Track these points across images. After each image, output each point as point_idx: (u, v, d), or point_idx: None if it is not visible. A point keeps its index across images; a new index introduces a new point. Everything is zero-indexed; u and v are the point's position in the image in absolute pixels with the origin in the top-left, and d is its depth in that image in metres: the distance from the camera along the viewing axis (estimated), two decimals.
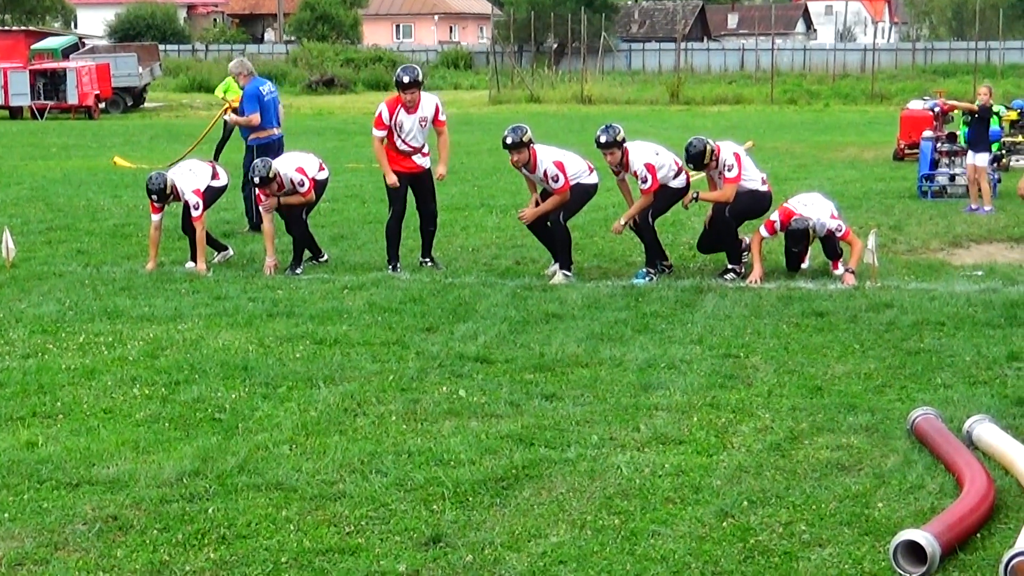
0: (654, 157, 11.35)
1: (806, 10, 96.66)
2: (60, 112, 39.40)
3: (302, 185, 11.81)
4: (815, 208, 11.35)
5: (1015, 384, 8.34)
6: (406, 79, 11.62)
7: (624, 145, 11.26)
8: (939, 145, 17.64)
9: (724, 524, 6.07)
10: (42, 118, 38.47)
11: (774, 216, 11.32)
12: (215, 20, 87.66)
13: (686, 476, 6.76)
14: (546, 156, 11.24)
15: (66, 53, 43.96)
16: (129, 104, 42.87)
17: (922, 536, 5.54)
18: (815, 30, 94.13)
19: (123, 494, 6.31)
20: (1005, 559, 5.42)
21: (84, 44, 48.73)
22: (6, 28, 56.48)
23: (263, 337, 9.63)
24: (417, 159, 11.96)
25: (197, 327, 10.03)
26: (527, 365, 9.05)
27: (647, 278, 11.50)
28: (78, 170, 22.68)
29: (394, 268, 11.77)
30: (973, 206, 15.71)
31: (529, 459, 7.05)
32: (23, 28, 55.34)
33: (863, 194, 17.83)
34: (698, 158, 11.20)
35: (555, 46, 61.52)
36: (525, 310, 10.81)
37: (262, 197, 11.83)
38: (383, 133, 11.83)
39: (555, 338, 9.82)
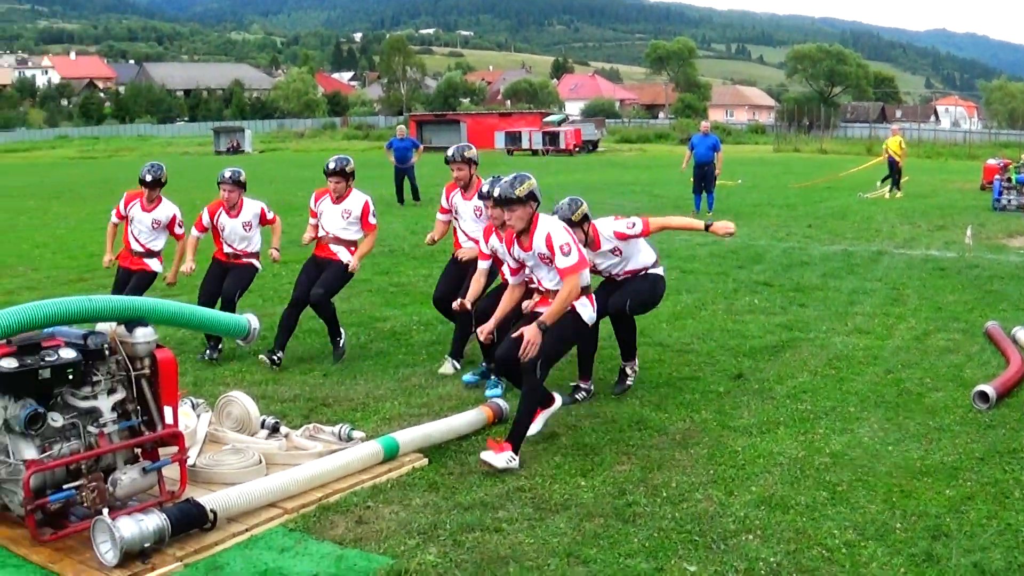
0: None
1: (935, 110, 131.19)
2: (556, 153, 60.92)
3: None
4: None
5: None
6: (332, 166, 9.82)
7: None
8: (1004, 183, 25.55)
9: (888, 376, 8.28)
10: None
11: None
12: None
13: (869, 350, 9.20)
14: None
15: (559, 123, 67.88)
16: (591, 149, 65.03)
17: (989, 388, 7.45)
18: (939, 120, 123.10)
19: None
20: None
21: (568, 118, 74.60)
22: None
23: None
24: (332, 247, 10.01)
25: None
26: (790, 288, 12.32)
27: None
28: None
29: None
30: None
31: (789, 337, 9.71)
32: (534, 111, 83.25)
33: (964, 207, 24.42)
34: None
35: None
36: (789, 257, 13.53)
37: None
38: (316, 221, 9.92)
39: (807, 273, 12.42)
